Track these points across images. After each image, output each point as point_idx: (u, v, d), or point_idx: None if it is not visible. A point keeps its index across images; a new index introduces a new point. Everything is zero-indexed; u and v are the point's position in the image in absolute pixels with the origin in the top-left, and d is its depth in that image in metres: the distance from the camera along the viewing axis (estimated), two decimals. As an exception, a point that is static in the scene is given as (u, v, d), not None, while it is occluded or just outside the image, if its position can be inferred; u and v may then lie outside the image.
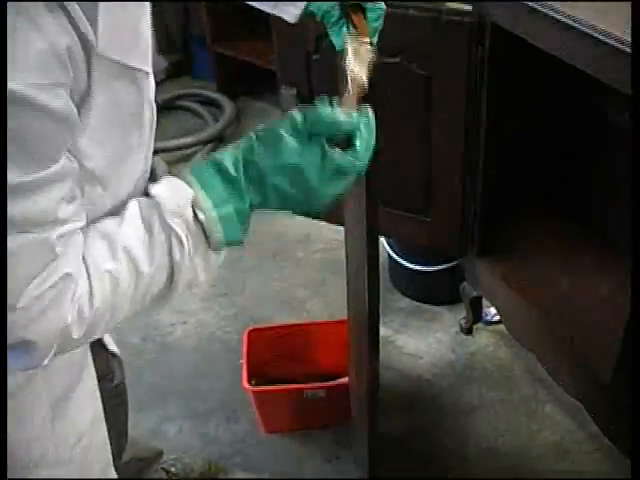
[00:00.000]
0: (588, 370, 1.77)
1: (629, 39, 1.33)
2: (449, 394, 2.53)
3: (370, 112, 1.04)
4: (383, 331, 1.57)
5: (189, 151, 3.75)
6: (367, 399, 1.89)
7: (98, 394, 1.39)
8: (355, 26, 1.18)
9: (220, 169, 1.00)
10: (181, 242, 0.99)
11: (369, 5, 1.21)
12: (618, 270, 1.85)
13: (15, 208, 0.85)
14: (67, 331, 0.95)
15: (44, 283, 0.91)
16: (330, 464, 2.34)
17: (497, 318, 2.63)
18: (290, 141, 0.98)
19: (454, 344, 2.68)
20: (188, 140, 3.76)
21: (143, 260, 0.99)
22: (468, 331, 2.64)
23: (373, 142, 1.03)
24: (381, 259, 2.23)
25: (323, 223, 2.40)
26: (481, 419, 2.44)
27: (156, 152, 3.99)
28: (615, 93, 1.41)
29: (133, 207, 1.02)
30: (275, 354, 2.43)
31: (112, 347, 1.59)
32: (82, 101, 0.92)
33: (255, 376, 2.35)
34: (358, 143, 1.01)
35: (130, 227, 1.00)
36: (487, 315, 2.67)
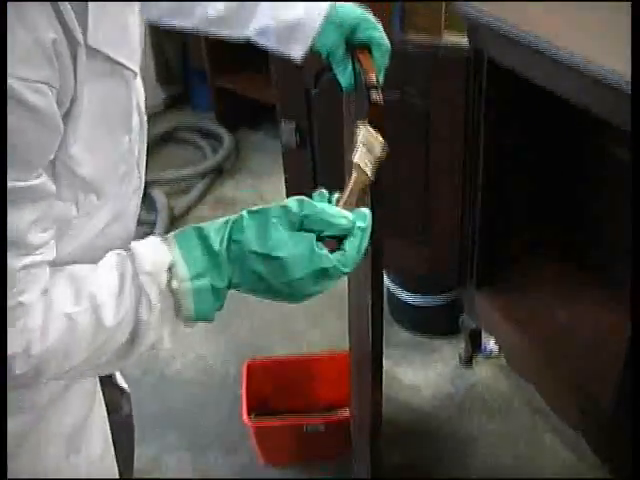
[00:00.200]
0: (588, 402, 1.78)
1: (626, 77, 1.35)
2: (449, 425, 2.52)
3: (368, 214, 1.00)
4: (383, 363, 1.58)
5: (188, 183, 3.76)
6: (370, 432, 1.88)
7: (107, 425, 1.38)
8: (362, 64, 1.18)
9: (204, 240, 0.96)
10: (150, 304, 0.96)
11: (375, 43, 1.23)
12: (617, 304, 1.86)
13: None
14: (10, 363, 0.90)
15: None
16: (330, 497, 2.33)
17: (496, 350, 2.63)
18: (280, 231, 0.94)
19: (454, 376, 2.68)
20: (187, 172, 3.77)
21: (108, 311, 0.94)
22: (467, 363, 2.65)
23: (365, 245, 1.00)
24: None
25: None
26: (481, 450, 2.43)
27: (155, 183, 3.99)
28: (614, 127, 1.43)
29: (110, 257, 0.98)
30: (274, 386, 2.43)
31: (122, 384, 1.59)
32: (70, 103, 0.89)
33: (254, 408, 2.35)
34: (347, 247, 0.97)
35: (102, 276, 0.96)
36: (486, 347, 2.67)
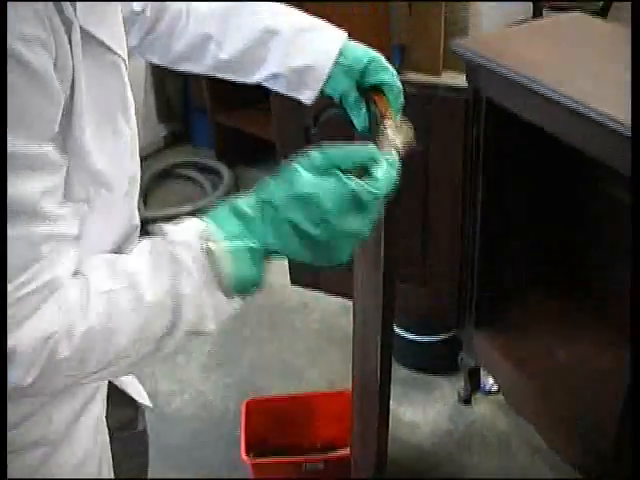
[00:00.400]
0: (587, 442, 1.77)
1: (625, 121, 1.36)
2: (448, 463, 2.51)
3: (395, 155, 0.99)
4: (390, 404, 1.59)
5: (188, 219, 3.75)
6: (374, 471, 1.87)
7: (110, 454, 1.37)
8: (377, 106, 1.19)
9: (235, 208, 0.94)
10: (187, 273, 0.92)
11: (386, 86, 1.23)
12: (617, 344, 1.86)
13: None
14: (53, 345, 0.86)
15: (27, 285, 0.85)
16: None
17: (495, 388, 2.63)
18: (304, 173, 0.91)
19: (453, 414, 2.67)
20: (187, 208, 3.77)
21: (146, 287, 0.91)
22: (467, 401, 2.64)
23: (394, 176, 0.96)
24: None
25: (320, 293, 2.42)
26: (480, 489, 2.42)
27: (154, 220, 4.01)
28: (613, 168, 1.44)
29: (143, 243, 0.96)
30: (273, 425, 2.42)
31: (139, 398, 1.57)
32: (71, 88, 0.89)
33: (254, 447, 2.34)
34: (377, 172, 0.93)
35: (135, 255, 0.94)
36: (486, 385, 2.67)
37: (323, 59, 1.26)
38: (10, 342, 0.84)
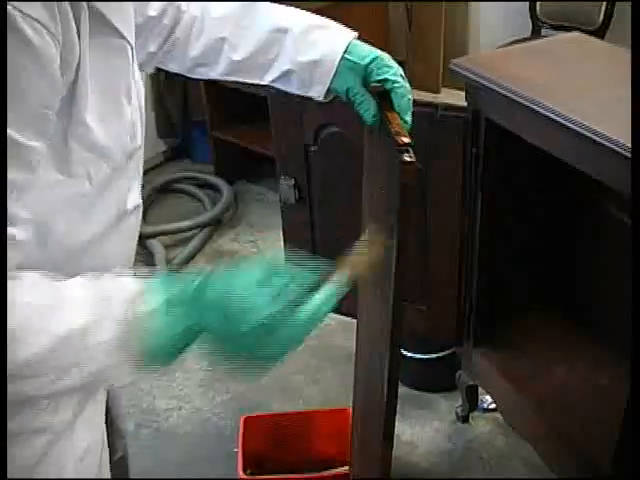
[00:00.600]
0: (586, 461, 1.77)
1: (624, 141, 1.37)
2: (446, 482, 2.51)
3: (339, 287, 1.02)
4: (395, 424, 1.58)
5: (187, 234, 3.76)
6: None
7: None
8: (390, 123, 1.17)
9: (180, 280, 0.95)
10: (113, 320, 0.91)
11: (389, 85, 1.22)
12: (617, 363, 1.86)
13: None
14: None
15: None
16: None
17: (493, 406, 2.62)
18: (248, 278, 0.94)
19: (451, 432, 2.66)
20: (186, 223, 3.77)
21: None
22: (464, 419, 2.64)
23: (326, 309, 1.01)
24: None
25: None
26: (478, 508, 2.42)
27: (154, 235, 3.98)
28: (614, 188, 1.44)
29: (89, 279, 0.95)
30: (271, 442, 2.41)
31: (119, 424, 1.56)
32: (77, 68, 0.92)
33: (251, 464, 2.33)
34: (313, 298, 0.99)
35: (74, 286, 0.93)
36: (483, 403, 2.66)
37: (331, 54, 1.26)
38: None
